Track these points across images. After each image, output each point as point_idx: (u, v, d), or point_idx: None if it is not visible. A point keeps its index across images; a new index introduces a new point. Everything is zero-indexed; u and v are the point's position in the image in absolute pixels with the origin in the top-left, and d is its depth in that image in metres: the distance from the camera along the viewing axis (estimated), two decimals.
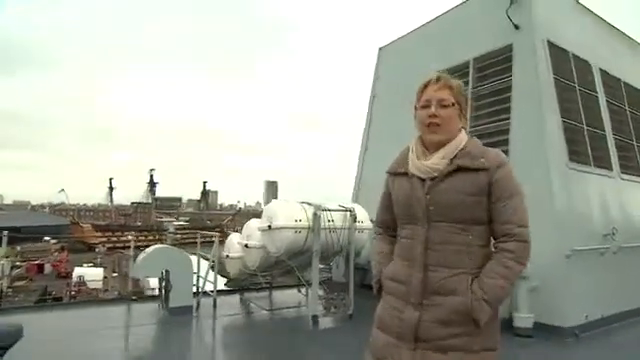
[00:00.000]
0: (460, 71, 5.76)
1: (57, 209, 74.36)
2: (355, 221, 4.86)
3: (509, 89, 5.09)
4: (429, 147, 1.49)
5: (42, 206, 78.99)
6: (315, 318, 4.57)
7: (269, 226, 4.50)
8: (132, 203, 79.17)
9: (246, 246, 5.01)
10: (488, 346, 1.39)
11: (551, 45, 5.03)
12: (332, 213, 4.69)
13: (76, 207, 79.76)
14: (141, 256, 4.79)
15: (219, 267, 5.43)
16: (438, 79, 1.49)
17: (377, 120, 7.39)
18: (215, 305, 5.16)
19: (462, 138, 1.47)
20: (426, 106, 1.47)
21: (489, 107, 5.41)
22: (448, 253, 1.40)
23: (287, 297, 6.02)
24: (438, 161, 1.44)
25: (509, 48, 5.14)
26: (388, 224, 1.68)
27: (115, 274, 30.77)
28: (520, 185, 1.44)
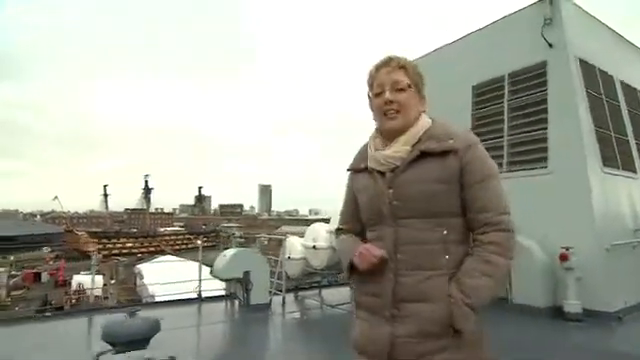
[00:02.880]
0: (495, 84, 6.31)
1: (49, 217, 73.50)
2: None
3: (544, 102, 5.62)
4: (389, 137, 1.30)
5: (32, 214, 77.83)
6: None
7: (314, 246, 5.16)
8: (126, 209, 78.73)
9: (314, 247, 5.48)
10: (479, 358, 1.20)
11: (581, 61, 5.61)
12: None
13: (68, 215, 78.86)
14: (222, 259, 5.25)
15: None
16: (389, 60, 1.32)
17: None
18: (284, 302, 5.64)
19: (425, 121, 1.30)
20: (380, 92, 1.30)
21: (524, 118, 5.93)
22: (421, 253, 1.20)
23: (339, 294, 6.49)
24: (398, 149, 1.26)
25: (543, 64, 5.67)
26: (352, 227, 1.45)
27: (113, 281, 30.78)
28: (494, 166, 1.25)
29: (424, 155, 1.22)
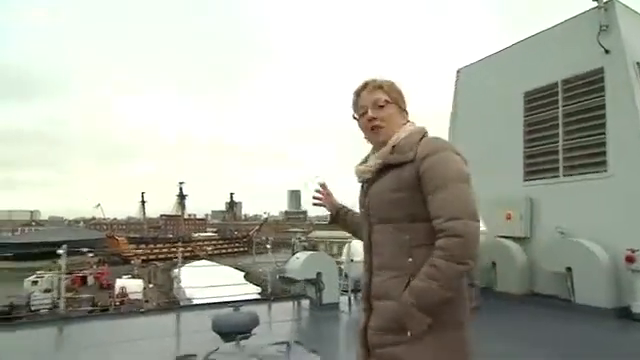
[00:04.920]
0: (548, 91, 6.45)
1: (92, 223, 77.24)
2: None
3: (602, 107, 5.70)
4: (378, 149, 1.43)
5: (76, 221, 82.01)
6: None
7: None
8: (162, 216, 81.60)
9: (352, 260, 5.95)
10: (432, 357, 1.22)
11: (639, 66, 5.70)
12: None
13: (109, 221, 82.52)
14: (296, 261, 5.68)
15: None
16: (366, 83, 1.46)
17: (459, 139, 8.12)
18: (350, 302, 6.00)
19: (400, 134, 1.38)
20: (364, 113, 1.44)
21: (580, 123, 6.04)
22: (386, 255, 1.33)
23: None
24: (372, 162, 1.41)
25: (600, 70, 5.79)
26: None
27: (151, 285, 32.04)
28: (458, 171, 1.26)
29: (387, 167, 1.35)
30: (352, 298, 6.09)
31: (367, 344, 1.35)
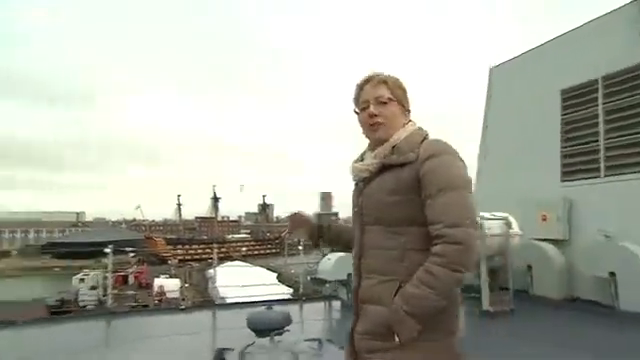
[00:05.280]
0: (587, 88, 6.22)
1: (132, 225, 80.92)
2: (510, 228, 5.51)
3: None
4: (376, 148, 1.37)
5: (119, 222, 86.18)
6: (486, 313, 5.27)
7: None
8: (196, 218, 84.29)
9: None
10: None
11: None
12: (489, 222, 5.38)
13: (147, 222, 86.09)
14: (328, 262, 5.80)
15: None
16: (371, 77, 1.39)
17: (493, 137, 7.95)
18: None
19: (401, 133, 1.33)
20: (365, 107, 1.37)
21: (623, 121, 5.79)
22: (380, 259, 1.26)
23: None
24: (370, 161, 1.35)
25: None
26: None
27: (187, 284, 33.13)
28: (460, 176, 1.23)
29: (387, 167, 1.29)
30: None
31: (354, 347, 1.31)
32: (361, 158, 1.44)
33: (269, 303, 4.36)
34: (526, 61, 7.46)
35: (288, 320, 3.85)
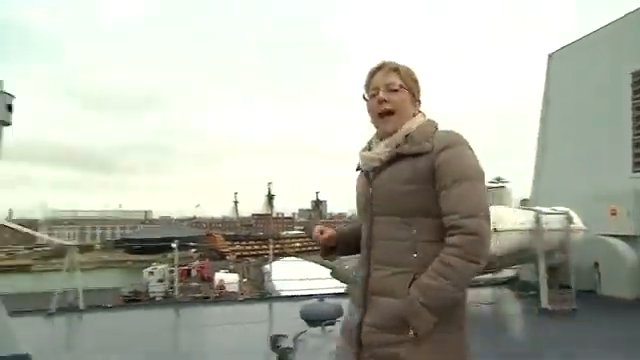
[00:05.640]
0: None
1: (193, 222, 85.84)
2: (571, 223, 5.21)
3: None
4: (384, 137, 1.34)
5: (181, 220, 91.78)
6: (545, 311, 5.06)
7: (495, 229, 5.11)
8: (253, 215, 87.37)
9: None
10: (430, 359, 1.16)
11: None
12: (548, 216, 5.13)
13: (207, 220, 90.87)
14: None
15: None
16: (383, 64, 1.36)
17: (553, 128, 7.51)
18: None
19: (412, 123, 1.30)
20: (375, 94, 1.34)
21: None
22: (391, 250, 1.24)
23: (482, 294, 6.55)
24: (381, 150, 1.31)
25: None
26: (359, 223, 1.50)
27: (245, 279, 34.55)
28: (474, 167, 1.22)
29: (400, 157, 1.26)
30: None
31: (359, 341, 1.24)
32: (368, 147, 1.40)
33: (322, 296, 4.53)
34: (589, 44, 6.95)
35: (339, 312, 4.00)
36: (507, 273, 7.13)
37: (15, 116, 3.90)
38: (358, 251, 1.43)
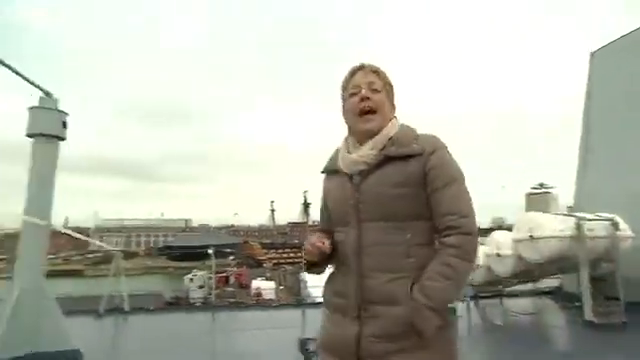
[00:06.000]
0: None
1: (231, 230, 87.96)
2: (617, 230, 4.93)
3: None
4: (362, 140, 1.31)
5: (219, 228, 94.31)
6: (590, 324, 4.80)
7: (531, 236, 4.96)
8: (289, 223, 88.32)
9: (498, 255, 5.56)
10: (434, 354, 1.17)
11: None
12: (591, 223, 4.89)
13: (244, 228, 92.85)
14: None
15: None
16: (363, 65, 1.35)
17: (597, 129, 7.17)
18: (469, 308, 5.85)
19: (392, 126, 1.30)
20: (355, 93, 1.31)
21: None
22: (384, 256, 1.20)
23: (522, 304, 6.30)
24: (365, 152, 1.27)
25: None
26: (326, 228, 1.43)
27: (281, 287, 34.83)
28: (460, 170, 1.25)
29: (388, 159, 1.24)
30: (472, 304, 5.90)
31: (357, 355, 1.19)
32: (347, 150, 1.35)
33: None
34: (634, 42, 6.60)
35: None
36: (549, 283, 6.83)
37: (69, 131, 4.29)
38: (329, 262, 1.38)
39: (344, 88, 1.37)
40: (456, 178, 1.23)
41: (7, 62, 3.67)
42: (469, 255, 1.17)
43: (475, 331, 5.29)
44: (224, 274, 42.08)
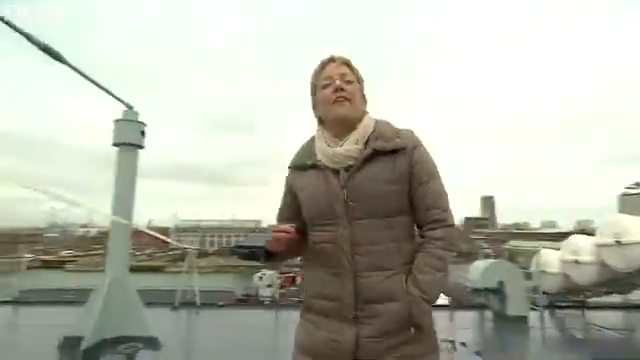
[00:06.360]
0: None
1: None
2: None
3: None
4: (338, 129, 1.26)
5: None
6: None
7: (617, 241, 4.46)
8: None
9: (576, 262, 5.08)
10: (430, 350, 1.20)
11: None
12: None
13: None
14: (476, 269, 5.56)
15: None
16: (334, 57, 1.30)
17: None
18: (542, 318, 5.40)
19: (370, 119, 1.28)
20: (328, 84, 1.27)
21: None
22: (378, 254, 1.17)
23: (607, 316, 5.66)
24: (351, 147, 1.22)
25: None
26: None
27: None
28: (436, 165, 1.26)
29: (376, 154, 1.21)
30: (545, 314, 5.44)
31: (354, 357, 1.16)
32: (324, 143, 1.28)
33: None
34: None
35: None
36: None
37: (152, 141, 4.77)
38: (289, 258, 1.36)
39: (315, 79, 1.32)
40: (436, 173, 1.26)
41: (93, 77, 4.17)
42: (452, 246, 1.21)
43: (550, 344, 4.87)
44: (291, 274, 43.40)
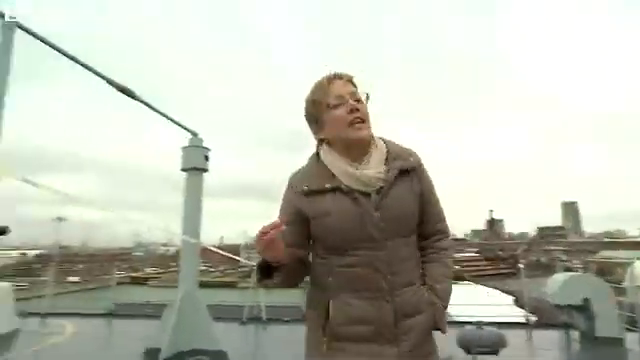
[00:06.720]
0: None
1: None
2: None
3: None
4: (355, 151, 1.24)
5: None
6: None
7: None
8: None
9: None
10: (434, 349, 1.26)
11: None
12: None
13: None
14: (556, 283, 5.05)
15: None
16: (340, 74, 1.27)
17: None
18: None
19: (379, 139, 1.30)
20: (340, 104, 1.22)
21: None
22: (407, 270, 1.22)
23: None
24: (379, 168, 1.23)
25: None
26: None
27: None
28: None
29: (399, 174, 1.24)
30: None
31: None
32: (346, 166, 1.24)
33: (485, 324, 4.15)
34: None
35: (501, 343, 3.64)
36: None
37: (220, 163, 5.07)
38: (289, 284, 1.24)
39: (322, 96, 1.25)
40: (433, 187, 1.35)
41: (161, 109, 4.56)
42: (453, 254, 1.38)
43: None
44: None
